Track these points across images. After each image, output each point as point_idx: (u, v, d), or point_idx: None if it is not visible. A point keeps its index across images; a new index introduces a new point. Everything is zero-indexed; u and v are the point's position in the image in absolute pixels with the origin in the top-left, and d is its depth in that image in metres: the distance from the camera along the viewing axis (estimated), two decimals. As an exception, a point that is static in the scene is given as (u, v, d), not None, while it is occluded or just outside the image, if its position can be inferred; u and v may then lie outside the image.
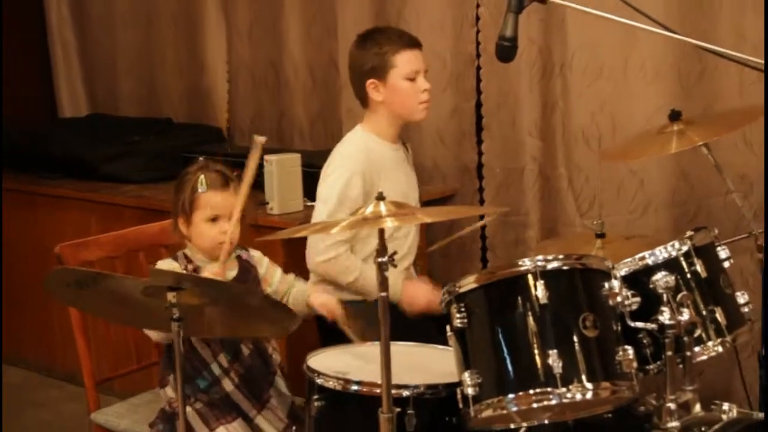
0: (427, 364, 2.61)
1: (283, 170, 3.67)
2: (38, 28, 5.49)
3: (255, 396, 2.75)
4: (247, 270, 2.83)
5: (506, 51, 2.51)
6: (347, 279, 3.06)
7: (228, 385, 2.72)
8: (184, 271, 2.70)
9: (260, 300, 2.57)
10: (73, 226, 4.43)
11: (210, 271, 2.66)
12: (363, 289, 3.04)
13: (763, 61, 2.22)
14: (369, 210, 2.19)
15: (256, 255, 2.88)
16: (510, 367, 2.24)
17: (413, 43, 3.16)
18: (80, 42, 5.47)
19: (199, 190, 2.72)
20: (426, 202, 3.60)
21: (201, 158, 3.94)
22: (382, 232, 2.16)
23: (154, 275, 2.38)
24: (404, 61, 3.12)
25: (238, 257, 2.83)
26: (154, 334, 2.68)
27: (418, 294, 3.09)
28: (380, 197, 2.19)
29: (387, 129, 3.20)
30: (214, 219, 2.73)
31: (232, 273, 2.79)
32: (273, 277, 2.88)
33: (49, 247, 4.38)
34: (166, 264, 2.77)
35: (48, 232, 4.57)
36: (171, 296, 2.32)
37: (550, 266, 2.28)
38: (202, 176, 2.75)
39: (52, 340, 4.68)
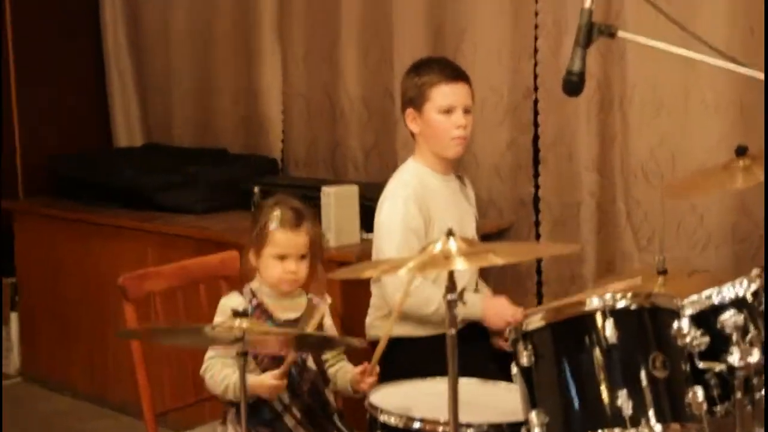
0: (489, 402, 2.59)
1: (340, 202, 3.67)
2: (95, 55, 5.54)
3: (318, 430, 2.74)
4: (312, 315, 2.81)
5: (574, 85, 2.49)
6: (429, 309, 3.05)
7: (290, 421, 2.72)
8: (249, 306, 2.71)
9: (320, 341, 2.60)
10: (130, 255, 4.45)
11: (266, 382, 2.65)
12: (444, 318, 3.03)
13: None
14: (438, 248, 2.16)
15: (326, 305, 2.82)
16: (578, 407, 2.22)
17: (455, 77, 3.16)
18: (136, 68, 5.51)
19: (271, 227, 2.73)
20: (482, 236, 3.59)
21: (257, 189, 4.03)
22: (452, 272, 2.14)
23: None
24: (440, 95, 3.12)
25: (309, 300, 2.83)
26: (213, 388, 2.71)
27: (503, 309, 3.11)
28: (450, 233, 2.17)
29: (434, 160, 3.21)
30: (282, 257, 2.73)
31: (295, 314, 2.80)
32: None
33: (104, 275, 4.49)
34: (229, 299, 2.78)
35: (104, 261, 4.61)
36: (237, 330, 2.33)
37: (618, 305, 2.26)
38: (277, 212, 2.75)
39: (105, 369, 4.70)
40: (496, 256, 2.12)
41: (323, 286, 2.85)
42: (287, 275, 2.72)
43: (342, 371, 2.80)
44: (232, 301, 2.75)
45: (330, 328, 2.88)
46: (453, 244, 2.14)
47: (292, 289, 2.76)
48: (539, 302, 3.93)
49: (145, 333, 2.78)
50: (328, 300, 2.80)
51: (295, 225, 2.75)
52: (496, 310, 3.13)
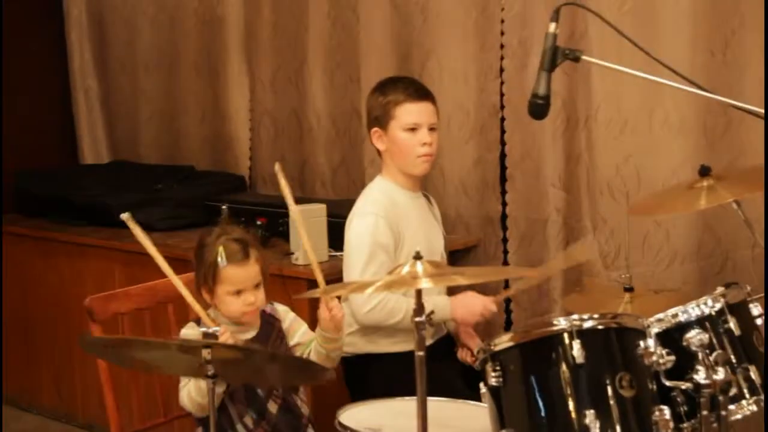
0: (458, 421, 2.59)
1: (308, 220, 3.67)
2: (60, 74, 5.53)
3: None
4: (270, 324, 2.82)
5: (539, 108, 2.53)
6: (396, 318, 3.06)
7: (258, 440, 2.71)
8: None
9: (283, 361, 2.59)
10: (96, 274, 4.44)
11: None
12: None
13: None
14: (406, 270, 2.18)
15: (281, 309, 2.87)
16: (546, 427, 2.24)
17: (420, 96, 3.19)
18: (102, 88, 5.52)
19: (220, 265, 2.68)
20: (450, 253, 3.61)
21: (224, 207, 4.03)
22: (419, 292, 2.16)
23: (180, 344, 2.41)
24: (405, 113, 3.16)
25: (262, 312, 2.82)
26: (198, 413, 2.69)
27: (473, 302, 3.15)
28: (417, 256, 2.20)
29: (402, 178, 3.24)
30: (238, 292, 2.72)
31: (253, 332, 2.79)
32: (297, 330, 2.86)
33: (71, 293, 4.47)
34: (190, 329, 2.75)
35: (70, 279, 4.59)
36: (206, 353, 2.33)
37: (585, 325, 2.28)
38: (221, 249, 2.69)
39: (73, 388, 4.68)
40: (463, 278, 2.14)
41: None
42: (248, 307, 2.71)
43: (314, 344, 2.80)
44: (191, 332, 2.73)
45: (293, 325, 2.87)
46: (419, 267, 2.16)
47: (254, 316, 2.76)
48: (507, 317, 3.96)
49: (111, 342, 2.65)
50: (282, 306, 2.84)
51: (243, 258, 2.71)
52: (465, 305, 3.16)
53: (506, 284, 3.61)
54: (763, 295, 2.70)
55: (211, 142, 5.02)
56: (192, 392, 2.64)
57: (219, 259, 2.68)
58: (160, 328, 3.07)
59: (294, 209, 2.82)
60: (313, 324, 2.87)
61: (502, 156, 3.95)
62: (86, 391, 4.52)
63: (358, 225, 3.15)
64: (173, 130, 5.19)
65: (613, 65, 2.46)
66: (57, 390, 4.80)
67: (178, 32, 5.10)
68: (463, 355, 3.27)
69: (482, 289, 3.28)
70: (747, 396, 2.43)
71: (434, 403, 2.63)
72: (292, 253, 3.69)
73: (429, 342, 3.11)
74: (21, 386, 4.96)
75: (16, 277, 4.89)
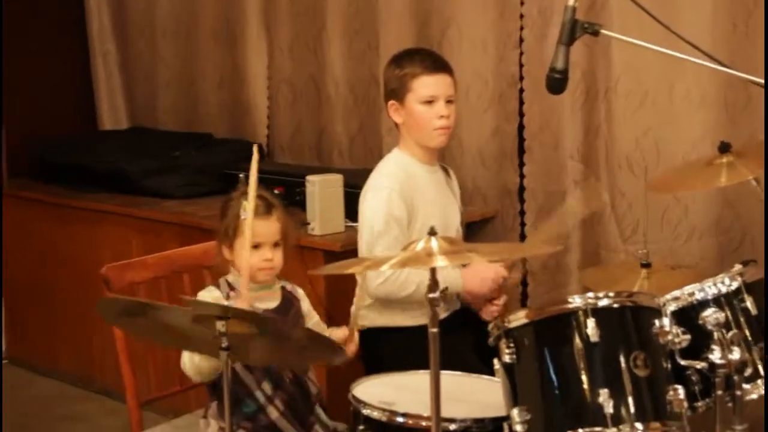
0: (472, 396, 2.60)
1: (324, 191, 3.67)
2: (80, 39, 5.52)
3: (300, 422, 2.75)
4: (289, 302, 2.83)
5: (557, 83, 2.50)
6: (408, 291, 3.06)
7: (273, 413, 2.71)
8: (225, 300, 2.70)
9: (302, 333, 2.58)
10: (114, 241, 4.46)
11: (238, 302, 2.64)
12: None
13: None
14: (420, 246, 2.17)
15: (300, 291, 2.88)
16: (559, 406, 2.23)
17: (437, 68, 3.17)
18: (121, 53, 5.51)
19: (242, 217, 2.70)
20: (467, 225, 3.59)
21: (242, 175, 4.02)
22: (434, 270, 2.15)
23: (195, 305, 2.40)
24: (421, 85, 3.13)
25: (283, 288, 2.83)
26: (196, 377, 2.69)
27: (484, 272, 3.14)
28: (432, 232, 2.18)
29: (418, 150, 3.22)
30: (256, 246, 2.72)
31: (274, 303, 2.79)
32: (311, 319, 2.88)
33: (89, 259, 4.48)
34: (207, 292, 2.77)
35: (88, 245, 4.61)
36: (220, 325, 2.33)
37: (600, 304, 2.27)
38: (245, 202, 2.70)
39: (90, 353, 4.71)
40: (478, 255, 2.13)
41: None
42: (264, 263, 2.72)
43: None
44: (208, 293, 2.76)
45: (309, 312, 2.88)
46: (434, 244, 2.15)
47: (269, 278, 2.76)
48: (523, 290, 3.94)
49: (128, 304, 2.60)
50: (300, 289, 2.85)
51: (266, 213, 2.74)
52: (475, 274, 3.15)
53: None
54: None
55: (229, 109, 5.01)
56: (195, 358, 2.66)
57: (242, 210, 2.69)
58: (176, 298, 3.07)
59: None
60: (325, 296, 2.88)
61: (521, 127, 3.92)
62: (103, 357, 4.54)
63: (373, 199, 3.13)
64: (191, 96, 5.18)
65: (632, 39, 2.43)
66: (75, 355, 4.83)
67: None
68: (488, 312, 3.24)
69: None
70: (762, 375, 2.41)
71: (448, 378, 2.64)
72: (309, 223, 3.68)
73: (443, 316, 3.11)
74: (39, 351, 5.00)
75: (34, 244, 4.92)
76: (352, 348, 2.71)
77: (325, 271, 2.73)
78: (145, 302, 2.48)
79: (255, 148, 2.71)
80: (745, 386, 2.37)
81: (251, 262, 2.69)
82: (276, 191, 3.97)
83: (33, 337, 5.03)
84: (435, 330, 2.18)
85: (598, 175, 3.68)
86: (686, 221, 3.51)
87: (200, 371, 2.65)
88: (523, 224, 3.94)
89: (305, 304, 2.87)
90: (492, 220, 4.01)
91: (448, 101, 3.17)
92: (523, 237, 3.93)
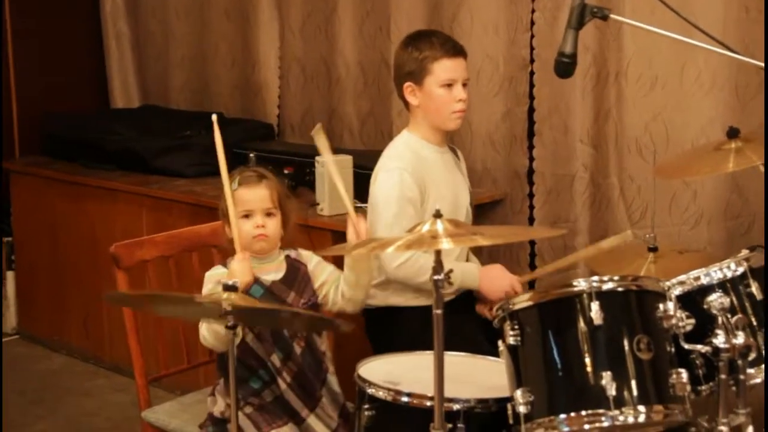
0: (476, 377, 2.62)
1: (334, 172, 3.67)
2: (92, 18, 5.53)
3: (307, 395, 2.78)
4: (295, 269, 2.85)
5: (565, 67, 2.51)
6: (425, 277, 3.05)
7: (281, 384, 2.74)
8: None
9: (294, 316, 2.64)
10: (124, 218, 4.48)
11: (235, 268, 2.68)
12: None
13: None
14: (426, 228, 2.18)
15: (304, 253, 2.91)
16: (563, 388, 2.24)
17: (455, 52, 3.17)
18: (133, 32, 5.52)
19: (232, 189, 2.76)
20: (476, 207, 3.60)
21: (252, 155, 4.05)
22: (438, 252, 2.16)
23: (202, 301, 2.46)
24: (441, 69, 3.13)
25: (287, 257, 2.86)
26: (210, 339, 2.70)
27: (501, 278, 3.15)
28: (438, 215, 2.19)
29: (430, 132, 3.22)
30: (247, 215, 2.76)
31: (279, 274, 2.82)
32: (322, 272, 2.88)
33: (99, 236, 4.51)
34: (215, 271, 2.80)
35: (99, 222, 4.64)
36: (225, 303, 2.36)
37: (605, 287, 2.28)
38: (238, 177, 2.81)
39: (100, 329, 4.74)
40: (483, 238, 2.14)
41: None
42: (257, 230, 2.76)
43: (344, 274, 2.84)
44: (216, 273, 2.78)
45: (317, 269, 2.89)
46: (440, 226, 2.16)
47: (265, 247, 2.79)
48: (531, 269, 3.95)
49: (135, 298, 2.80)
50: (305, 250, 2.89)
51: (255, 181, 2.80)
52: (492, 279, 3.16)
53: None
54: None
55: (241, 88, 5.01)
56: (212, 325, 2.69)
57: (233, 183, 2.77)
58: (184, 276, 3.10)
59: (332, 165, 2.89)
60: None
61: (530, 110, 3.92)
62: (113, 333, 4.58)
63: (384, 180, 3.14)
64: (203, 75, 5.19)
65: (642, 24, 2.43)
66: (85, 331, 4.86)
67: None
68: (481, 309, 3.27)
69: (508, 267, 3.26)
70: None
71: (453, 358, 2.67)
72: (318, 204, 3.69)
73: (451, 297, 3.13)
74: (50, 327, 5.03)
75: (46, 220, 4.94)
76: (362, 227, 2.74)
77: (334, 251, 2.75)
78: (151, 295, 2.53)
79: (214, 118, 2.82)
80: (749, 371, 2.38)
81: (244, 230, 2.75)
82: (285, 171, 4.02)
83: (44, 313, 5.06)
84: (439, 311, 2.20)
85: (607, 158, 3.68)
86: (695, 206, 3.51)
87: (218, 336, 2.67)
88: (531, 207, 3.94)
89: (312, 264, 2.89)
90: (501, 203, 4.01)
91: (464, 84, 3.18)
92: (531, 220, 3.94)
